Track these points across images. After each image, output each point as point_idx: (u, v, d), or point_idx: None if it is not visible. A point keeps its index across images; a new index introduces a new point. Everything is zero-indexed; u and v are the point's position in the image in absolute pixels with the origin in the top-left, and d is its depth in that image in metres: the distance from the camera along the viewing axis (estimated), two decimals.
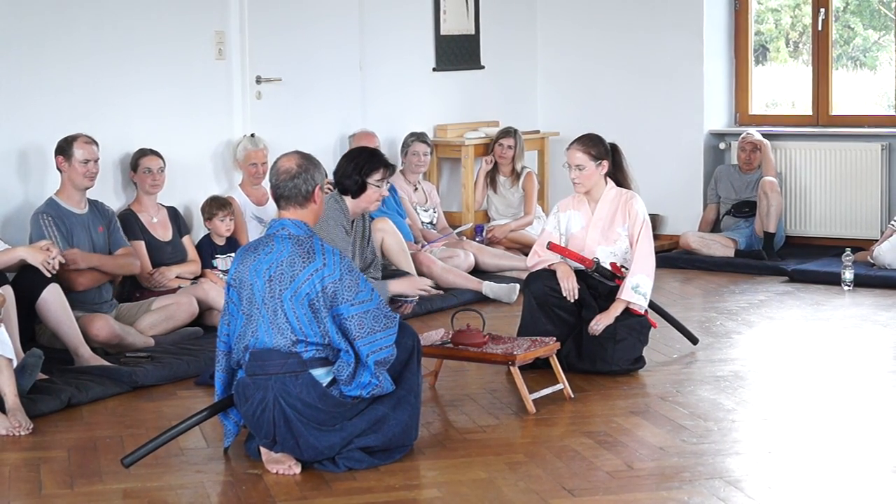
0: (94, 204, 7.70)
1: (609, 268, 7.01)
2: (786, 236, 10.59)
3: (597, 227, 7.05)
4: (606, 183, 7.08)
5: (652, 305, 7.19)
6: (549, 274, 7.02)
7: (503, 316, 8.29)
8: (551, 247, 7.01)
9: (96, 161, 7.56)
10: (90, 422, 6.24)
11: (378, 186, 6.87)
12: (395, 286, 6.99)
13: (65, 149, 7.51)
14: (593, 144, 7.01)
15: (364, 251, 7.07)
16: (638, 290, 6.92)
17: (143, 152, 8.15)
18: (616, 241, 7.03)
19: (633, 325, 6.95)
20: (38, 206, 7.53)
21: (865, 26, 11.64)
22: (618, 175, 7.15)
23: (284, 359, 5.29)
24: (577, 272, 7.02)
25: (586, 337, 6.91)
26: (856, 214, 10.65)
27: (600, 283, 7.04)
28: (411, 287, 7.07)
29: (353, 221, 6.98)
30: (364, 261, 7.03)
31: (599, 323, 6.89)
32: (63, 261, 7.08)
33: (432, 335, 6.58)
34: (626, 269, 7.00)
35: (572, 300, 6.95)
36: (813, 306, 8.73)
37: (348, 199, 6.91)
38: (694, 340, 7.55)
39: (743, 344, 7.72)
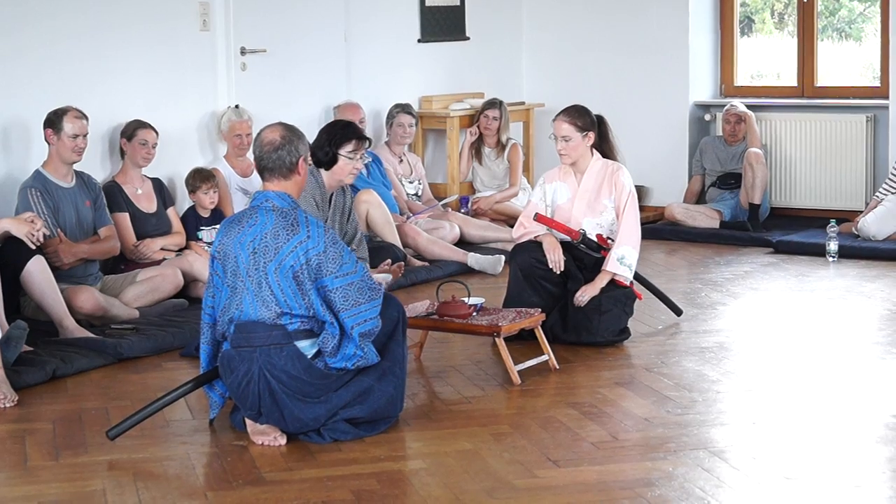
0: (81, 177, 7.67)
1: (595, 239, 7.01)
2: (771, 208, 10.61)
3: (583, 199, 7.05)
4: (592, 154, 7.08)
5: (637, 277, 7.20)
6: (534, 245, 7.03)
7: (488, 287, 8.29)
8: (538, 218, 7.01)
9: (85, 136, 7.53)
10: (75, 394, 6.24)
11: (350, 158, 6.70)
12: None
13: (54, 122, 7.48)
14: (579, 115, 7.01)
15: (344, 226, 6.97)
16: (623, 261, 6.92)
17: (141, 124, 8.11)
18: (602, 213, 7.03)
19: (619, 297, 6.96)
20: (26, 180, 7.50)
21: None
22: (604, 147, 7.15)
23: (269, 331, 5.29)
24: (563, 244, 7.02)
25: (572, 308, 6.92)
26: (841, 186, 10.66)
27: (586, 255, 7.04)
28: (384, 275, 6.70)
29: (331, 195, 6.83)
30: (346, 236, 6.93)
31: (584, 294, 6.89)
32: (48, 233, 7.06)
33: (417, 307, 6.58)
34: (612, 240, 7.00)
35: (558, 272, 6.95)
36: (798, 277, 8.74)
37: (324, 172, 6.80)
38: (678, 312, 7.56)
39: (728, 315, 7.74)
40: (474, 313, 6.42)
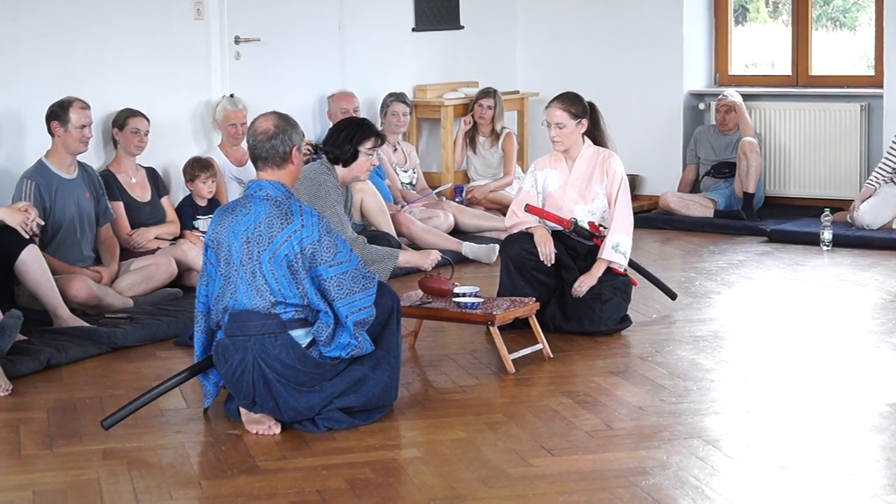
0: (83, 169, 7.67)
1: (587, 227, 7.00)
2: (765, 197, 10.61)
3: (574, 186, 7.04)
4: (584, 142, 7.07)
5: (630, 263, 7.19)
6: (525, 237, 7.01)
7: (483, 276, 8.29)
8: (529, 209, 7.00)
9: (90, 126, 7.55)
10: (69, 383, 6.24)
11: (369, 155, 6.87)
12: (408, 258, 7.07)
13: (59, 114, 7.46)
14: (573, 103, 7.00)
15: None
16: (618, 248, 6.92)
17: (132, 112, 8.11)
18: (594, 200, 7.03)
19: (618, 285, 6.95)
20: (27, 169, 7.50)
21: None
22: (595, 134, 7.14)
23: (263, 320, 5.29)
24: (555, 233, 7.01)
25: (571, 298, 6.91)
26: (835, 175, 10.66)
27: (578, 243, 7.04)
28: (423, 260, 7.13)
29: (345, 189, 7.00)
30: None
31: (583, 285, 6.88)
32: (41, 223, 7.04)
33: (412, 295, 6.58)
34: (604, 227, 6.99)
35: (549, 265, 6.94)
36: (792, 266, 8.75)
37: (339, 168, 6.90)
38: (673, 296, 7.57)
39: (722, 304, 7.74)
40: (455, 289, 6.51)
